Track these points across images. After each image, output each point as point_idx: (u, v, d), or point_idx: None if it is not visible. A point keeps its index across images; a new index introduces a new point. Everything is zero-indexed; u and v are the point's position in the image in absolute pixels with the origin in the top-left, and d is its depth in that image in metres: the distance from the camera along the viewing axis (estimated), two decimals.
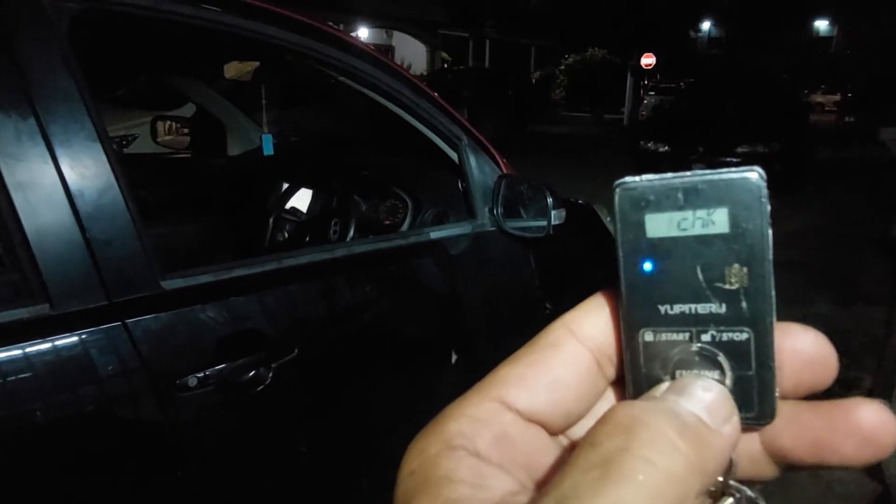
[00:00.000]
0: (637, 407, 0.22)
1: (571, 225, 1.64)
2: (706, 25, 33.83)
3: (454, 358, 1.57)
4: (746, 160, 8.49)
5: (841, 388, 2.75)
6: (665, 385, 0.23)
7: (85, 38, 1.03)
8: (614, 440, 0.20)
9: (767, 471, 0.25)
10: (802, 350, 0.23)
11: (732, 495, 0.23)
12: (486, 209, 1.63)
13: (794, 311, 3.93)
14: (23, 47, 0.94)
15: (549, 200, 1.52)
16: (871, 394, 2.61)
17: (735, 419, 0.22)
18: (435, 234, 1.54)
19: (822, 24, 34.89)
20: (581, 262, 1.99)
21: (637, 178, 0.23)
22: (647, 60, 18.86)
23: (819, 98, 24.78)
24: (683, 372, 0.24)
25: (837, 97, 23.12)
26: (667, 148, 8.49)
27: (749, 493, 0.23)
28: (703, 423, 0.21)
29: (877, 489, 2.06)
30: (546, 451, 0.25)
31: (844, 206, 7.12)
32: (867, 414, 0.22)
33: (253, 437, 1.21)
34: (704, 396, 0.22)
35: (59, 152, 0.94)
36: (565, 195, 1.67)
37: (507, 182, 1.61)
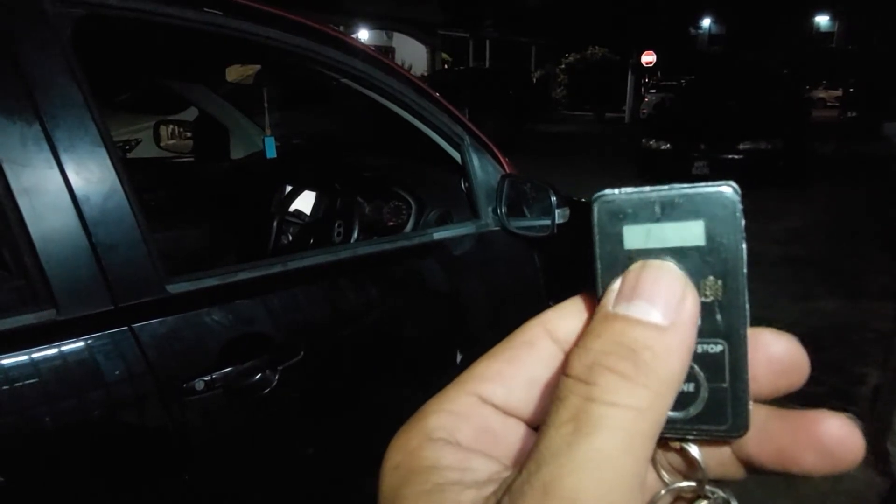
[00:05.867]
0: (591, 353, 0.21)
1: (575, 223, 1.64)
2: (706, 22, 33.77)
3: (459, 358, 1.57)
4: (749, 157, 8.43)
5: (847, 384, 2.75)
6: (617, 284, 0.23)
7: (88, 44, 1.04)
8: (578, 391, 0.21)
9: (736, 472, 0.25)
10: (776, 358, 0.23)
11: (707, 497, 0.24)
12: (490, 209, 1.63)
13: (800, 307, 3.92)
14: (27, 53, 0.94)
15: (553, 199, 1.52)
16: (877, 389, 2.60)
17: (689, 296, 0.22)
18: (439, 235, 1.54)
19: (822, 20, 34.80)
20: (584, 260, 1.98)
21: (615, 191, 0.23)
22: (648, 58, 18.86)
23: (821, 93, 24.74)
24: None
25: (839, 92, 23.06)
26: (668, 145, 8.48)
27: (722, 493, 0.24)
28: (655, 333, 0.21)
29: (885, 484, 2.05)
30: (527, 441, 0.25)
31: (848, 201, 7.10)
32: (830, 427, 0.22)
33: (260, 439, 1.21)
34: (653, 291, 0.22)
35: (64, 158, 0.94)
36: (568, 194, 1.67)
37: (511, 181, 1.61)
